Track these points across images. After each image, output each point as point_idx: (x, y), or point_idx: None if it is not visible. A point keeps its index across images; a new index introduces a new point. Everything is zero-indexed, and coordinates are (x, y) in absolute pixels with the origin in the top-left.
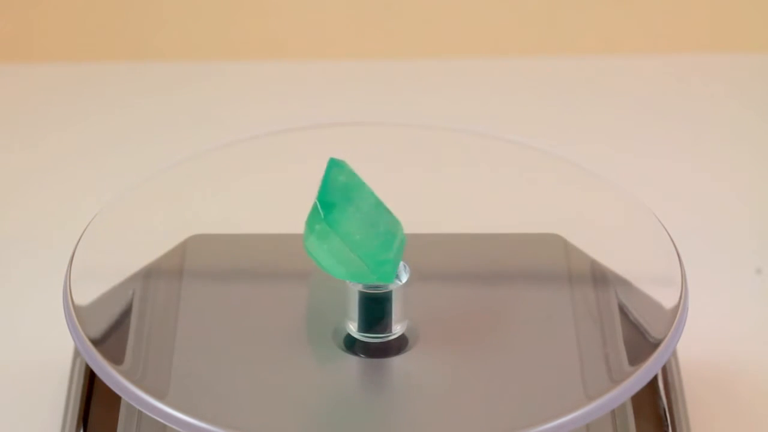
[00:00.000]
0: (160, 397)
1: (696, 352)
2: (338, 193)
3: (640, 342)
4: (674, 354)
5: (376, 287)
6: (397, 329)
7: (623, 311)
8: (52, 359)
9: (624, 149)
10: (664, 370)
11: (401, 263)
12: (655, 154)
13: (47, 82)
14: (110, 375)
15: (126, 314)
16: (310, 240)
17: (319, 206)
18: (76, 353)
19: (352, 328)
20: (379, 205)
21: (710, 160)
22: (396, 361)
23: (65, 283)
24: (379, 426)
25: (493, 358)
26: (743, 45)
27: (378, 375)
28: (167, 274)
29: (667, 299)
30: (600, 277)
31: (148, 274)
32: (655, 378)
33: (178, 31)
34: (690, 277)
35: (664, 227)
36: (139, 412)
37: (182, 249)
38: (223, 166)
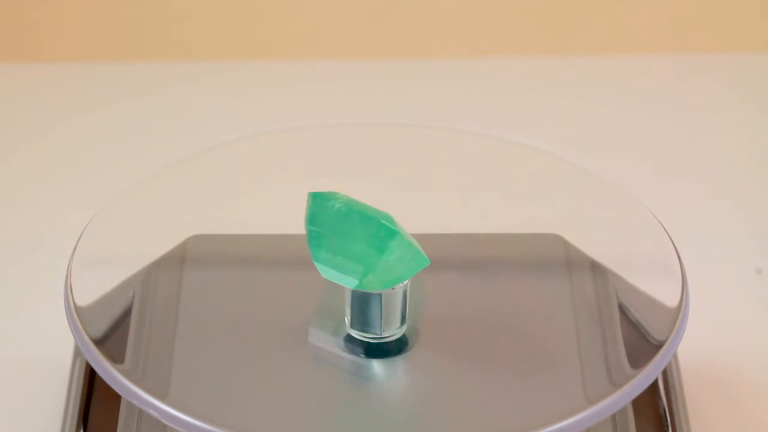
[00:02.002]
0: (161, 397)
1: (696, 352)
2: (370, 210)
3: (641, 343)
4: (674, 355)
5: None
6: (398, 330)
7: (623, 311)
8: (52, 359)
9: (624, 149)
10: (664, 370)
11: None
12: (654, 154)
13: (48, 81)
14: (111, 374)
15: (126, 314)
16: (385, 267)
17: (385, 232)
18: (76, 353)
19: (353, 328)
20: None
21: (710, 159)
22: (396, 362)
23: (66, 282)
24: (379, 426)
25: (493, 359)
26: (743, 45)
27: (378, 375)
28: (167, 274)
29: (667, 299)
30: (600, 277)
31: (149, 274)
32: (656, 378)
33: (178, 31)
34: (689, 277)
35: (663, 227)
36: (139, 412)
37: (182, 249)
38: (223, 166)
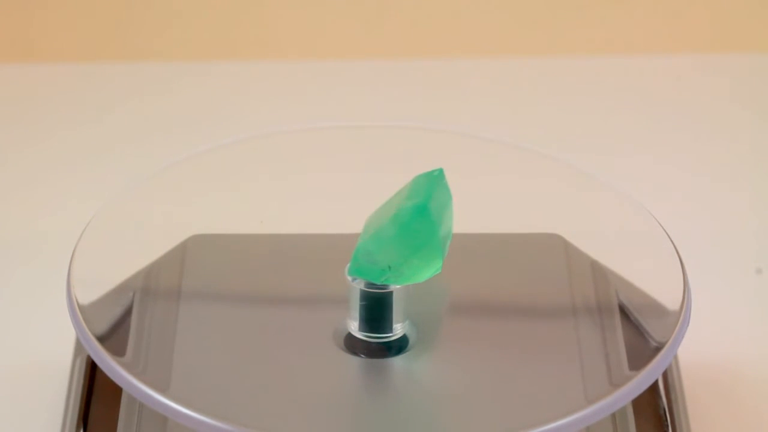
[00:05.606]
0: (162, 391)
1: (696, 352)
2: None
3: (641, 343)
4: (674, 355)
5: (380, 287)
6: (398, 329)
7: (623, 311)
8: (52, 359)
9: (624, 149)
10: (665, 370)
11: None
12: (654, 155)
13: (47, 82)
14: (112, 367)
15: (127, 314)
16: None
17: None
18: (76, 352)
19: (353, 327)
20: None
21: (710, 160)
22: (396, 362)
23: (67, 278)
24: (378, 426)
25: (493, 359)
26: (743, 45)
27: (378, 375)
28: (167, 273)
29: (668, 299)
30: (600, 277)
31: (149, 274)
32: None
33: (178, 31)
34: (689, 278)
35: (662, 227)
36: (139, 411)
37: (182, 249)
38: (223, 166)
